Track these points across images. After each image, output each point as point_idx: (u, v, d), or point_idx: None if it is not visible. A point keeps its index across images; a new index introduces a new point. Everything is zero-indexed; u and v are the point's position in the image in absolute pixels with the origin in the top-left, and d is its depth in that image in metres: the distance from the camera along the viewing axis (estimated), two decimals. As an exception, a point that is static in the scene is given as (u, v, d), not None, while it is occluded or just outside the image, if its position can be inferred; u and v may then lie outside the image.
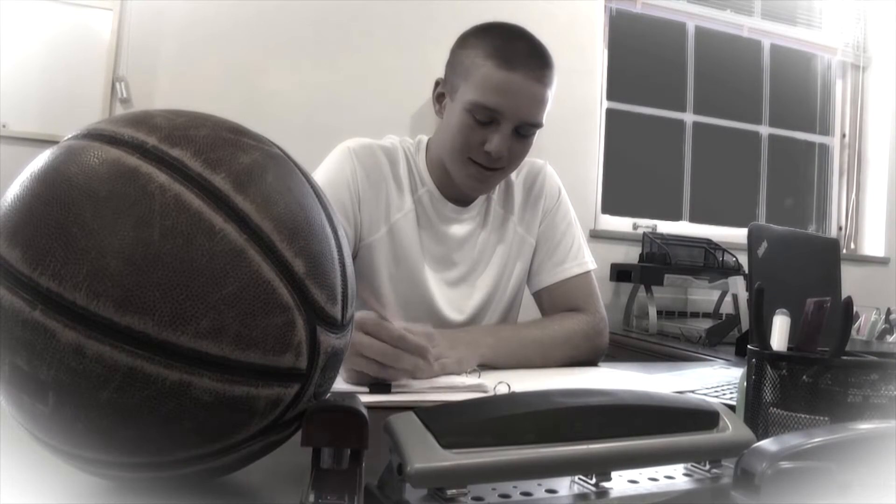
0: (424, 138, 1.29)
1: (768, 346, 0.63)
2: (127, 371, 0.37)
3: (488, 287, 1.27)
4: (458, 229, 1.26)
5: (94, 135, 0.43)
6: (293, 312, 0.41)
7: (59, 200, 0.39)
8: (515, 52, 1.09)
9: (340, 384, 0.86)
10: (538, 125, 1.14)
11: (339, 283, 0.45)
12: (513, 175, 1.31)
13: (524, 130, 1.13)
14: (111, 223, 0.38)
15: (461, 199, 1.26)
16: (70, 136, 0.44)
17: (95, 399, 0.38)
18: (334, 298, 0.45)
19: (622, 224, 3.18)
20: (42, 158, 0.42)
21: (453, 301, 1.25)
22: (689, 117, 3.39)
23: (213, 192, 0.40)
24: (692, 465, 0.53)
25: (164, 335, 0.37)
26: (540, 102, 1.12)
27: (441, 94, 1.20)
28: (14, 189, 0.41)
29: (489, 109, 1.09)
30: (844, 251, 3.54)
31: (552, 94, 1.15)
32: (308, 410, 0.43)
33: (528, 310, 1.35)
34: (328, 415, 0.43)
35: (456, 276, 1.26)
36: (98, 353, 0.37)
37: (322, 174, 1.18)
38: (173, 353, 0.38)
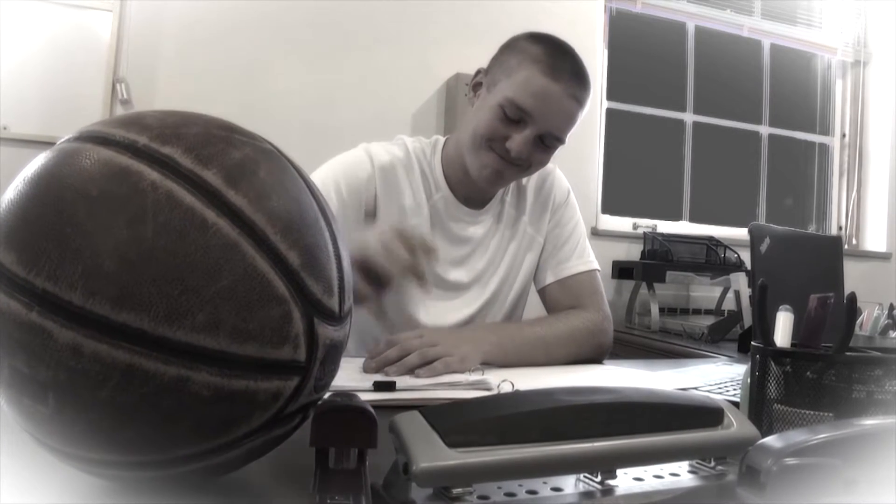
0: (441, 139, 1.30)
1: (772, 343, 0.62)
2: (125, 368, 0.37)
3: (497, 284, 1.29)
4: (474, 231, 1.27)
5: (86, 137, 0.43)
6: (289, 304, 0.41)
7: (53, 202, 0.39)
8: (562, 65, 1.12)
9: (343, 383, 0.86)
10: (561, 140, 1.17)
11: (336, 275, 0.46)
12: (524, 178, 1.32)
13: (548, 141, 1.15)
14: (104, 222, 0.38)
15: (476, 200, 1.27)
16: (64, 139, 0.45)
17: (95, 398, 0.38)
18: (331, 290, 0.45)
19: (622, 224, 3.18)
20: (36, 162, 0.43)
21: (463, 298, 1.26)
22: (689, 117, 3.39)
23: (205, 188, 0.40)
24: (697, 463, 0.53)
25: (160, 331, 0.37)
26: (570, 119, 1.15)
27: (478, 83, 1.22)
28: (9, 193, 0.41)
29: (521, 110, 1.11)
30: (846, 247, 3.54)
31: (582, 116, 1.17)
32: (316, 411, 0.43)
33: (534, 309, 1.35)
34: (337, 415, 0.43)
35: (470, 277, 1.27)
36: (95, 351, 0.37)
37: (338, 162, 1.20)
38: (170, 348, 0.38)
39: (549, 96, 1.11)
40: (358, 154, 1.22)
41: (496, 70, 1.17)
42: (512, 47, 1.17)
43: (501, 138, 1.13)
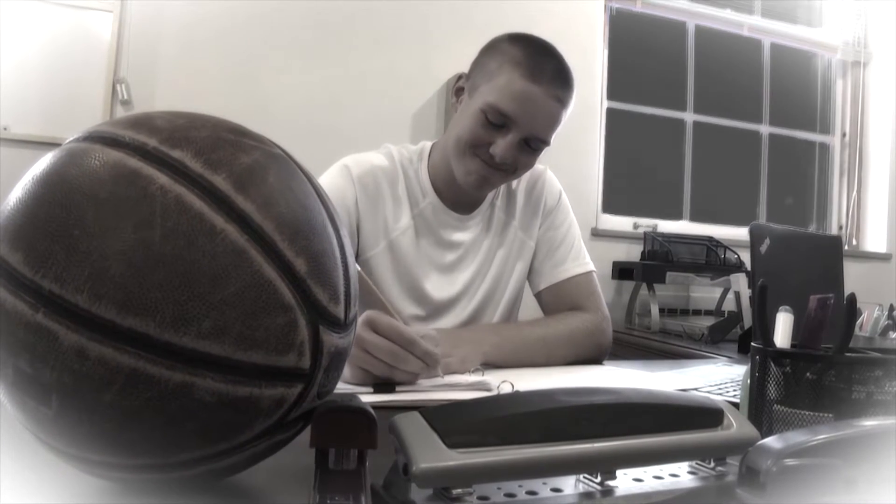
0: (428, 144, 1.29)
1: (772, 343, 0.62)
2: (130, 373, 0.37)
3: (488, 290, 1.28)
4: (462, 237, 1.27)
5: (95, 137, 0.43)
6: (295, 312, 0.41)
7: (61, 203, 0.39)
8: (543, 67, 1.10)
9: (343, 384, 0.86)
10: (546, 142, 1.16)
11: (342, 282, 0.45)
12: (514, 182, 1.32)
13: (532, 144, 1.14)
14: (113, 225, 0.38)
15: (464, 205, 1.26)
16: (71, 138, 0.44)
17: (99, 401, 0.38)
18: (337, 298, 0.45)
19: (623, 223, 3.18)
20: (44, 162, 0.42)
21: (455, 305, 1.26)
22: (689, 116, 3.39)
23: (214, 193, 0.40)
24: (697, 463, 0.53)
25: (166, 336, 0.37)
26: (553, 121, 1.14)
27: (460, 88, 1.20)
28: (16, 192, 0.41)
29: (503, 114, 1.10)
30: (846, 248, 3.54)
31: (566, 116, 1.16)
32: (316, 411, 0.43)
33: (532, 312, 1.35)
34: (337, 415, 0.43)
35: (460, 283, 1.26)
36: (100, 355, 0.37)
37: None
38: (176, 354, 0.38)
39: (531, 99, 1.09)
40: (336, 176, 1.20)
41: (477, 74, 1.16)
42: (492, 50, 1.16)
43: (485, 144, 1.12)
